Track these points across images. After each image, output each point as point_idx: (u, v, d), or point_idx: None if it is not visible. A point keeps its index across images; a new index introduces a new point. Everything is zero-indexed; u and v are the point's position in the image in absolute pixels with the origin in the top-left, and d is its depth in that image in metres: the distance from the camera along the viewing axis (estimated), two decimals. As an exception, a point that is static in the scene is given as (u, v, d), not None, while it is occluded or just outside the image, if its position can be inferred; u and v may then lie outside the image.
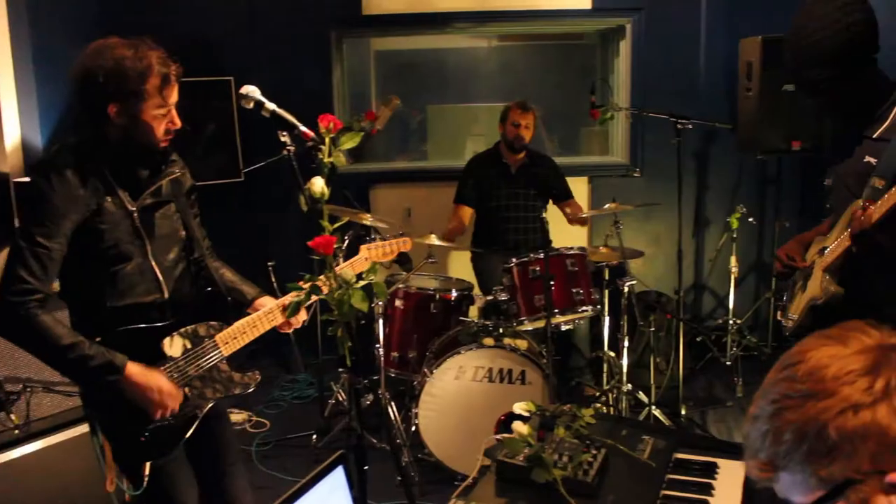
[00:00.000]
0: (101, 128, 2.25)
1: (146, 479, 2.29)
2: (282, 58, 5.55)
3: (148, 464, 2.30)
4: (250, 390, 2.55)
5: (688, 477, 2.14)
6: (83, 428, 3.28)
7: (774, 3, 5.43)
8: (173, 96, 2.28)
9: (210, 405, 2.44)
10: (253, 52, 5.51)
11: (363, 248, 2.85)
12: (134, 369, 2.22)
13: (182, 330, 2.39)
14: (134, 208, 2.31)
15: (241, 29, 5.54)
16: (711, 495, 2.06)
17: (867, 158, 2.49)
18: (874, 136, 2.48)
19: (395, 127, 6.49)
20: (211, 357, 2.42)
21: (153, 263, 2.35)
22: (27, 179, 3.93)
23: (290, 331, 2.59)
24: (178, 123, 2.33)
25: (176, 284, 2.43)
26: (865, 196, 2.43)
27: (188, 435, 2.40)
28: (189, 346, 2.38)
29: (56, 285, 2.29)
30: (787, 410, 1.01)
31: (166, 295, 2.38)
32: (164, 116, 2.27)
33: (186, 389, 2.37)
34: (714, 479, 2.12)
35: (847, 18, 2.37)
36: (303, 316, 2.45)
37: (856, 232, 2.41)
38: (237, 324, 2.48)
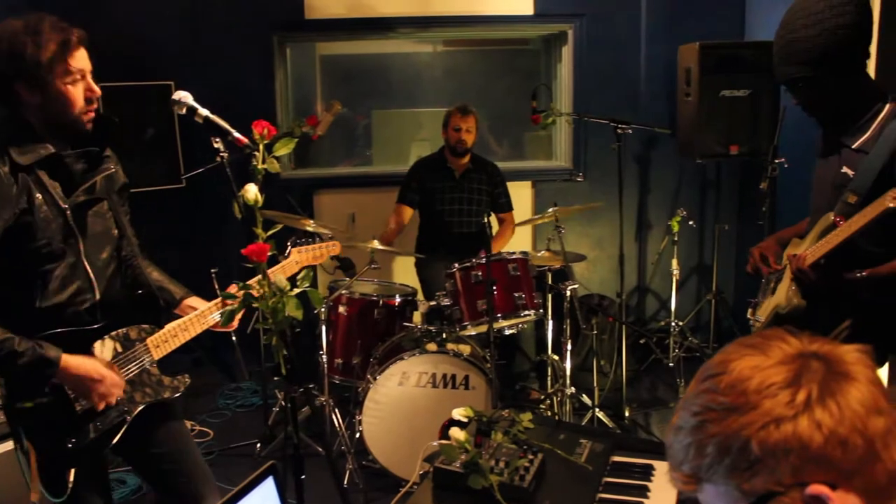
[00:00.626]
0: (18, 111, 2.19)
1: (70, 486, 2.22)
2: (223, 62, 5.48)
3: (73, 471, 2.23)
4: (178, 394, 2.50)
5: (624, 480, 2.16)
6: (6, 445, 3.18)
7: (712, 10, 5.55)
8: (79, 61, 2.20)
9: (139, 409, 2.38)
10: (194, 55, 5.44)
11: (293, 250, 2.83)
12: (71, 360, 2.17)
13: (113, 333, 2.33)
14: (66, 206, 2.23)
15: (181, 32, 5.46)
16: (647, 497, 2.09)
17: (845, 169, 2.48)
18: (854, 147, 2.47)
19: (340, 132, 6.45)
20: (142, 361, 2.37)
21: (85, 263, 2.28)
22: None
23: (227, 330, 2.53)
24: (97, 90, 2.25)
25: (108, 285, 2.36)
26: (837, 211, 2.44)
27: (115, 440, 2.34)
28: (120, 349, 2.33)
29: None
30: (710, 423, 1.00)
31: (98, 296, 2.31)
32: (76, 83, 2.20)
33: None
34: (650, 480, 2.14)
35: (836, 20, 2.33)
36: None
37: (793, 271, 2.47)
38: (168, 327, 2.43)
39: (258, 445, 4.35)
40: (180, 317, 2.49)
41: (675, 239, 5.42)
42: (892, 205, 2.20)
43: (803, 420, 0.95)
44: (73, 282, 2.26)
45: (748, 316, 2.95)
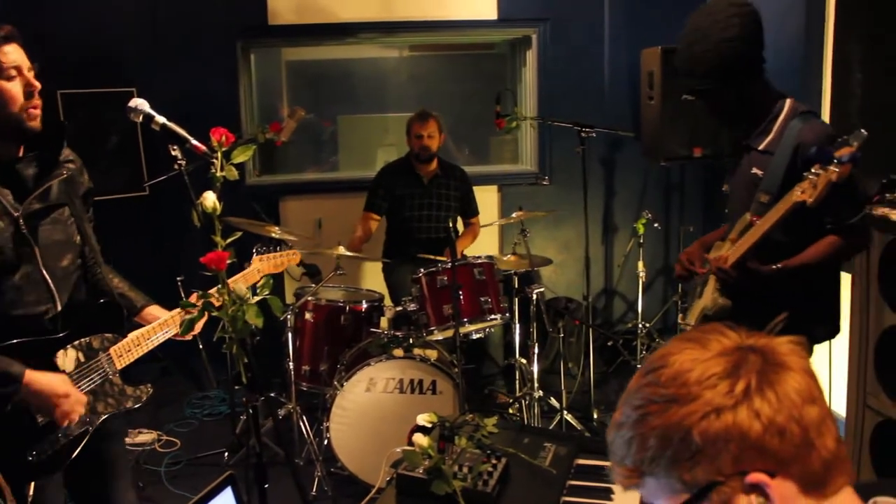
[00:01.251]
0: None
1: (30, 499, 2.18)
2: (186, 68, 5.42)
3: (32, 484, 2.19)
4: (140, 404, 2.46)
5: (588, 482, 2.17)
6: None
7: (674, 14, 5.57)
8: (11, 57, 2.11)
9: (101, 420, 2.35)
10: (156, 62, 5.38)
11: (255, 259, 2.82)
12: (35, 377, 2.12)
13: (76, 342, 2.29)
14: (18, 213, 2.17)
15: (143, 38, 5.40)
16: (611, 499, 2.10)
17: (754, 170, 2.58)
18: (759, 149, 2.58)
19: (305, 138, 6.43)
20: (105, 371, 2.33)
21: (44, 272, 2.22)
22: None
23: (186, 339, 2.46)
24: (36, 84, 2.16)
25: (70, 294, 2.32)
26: (753, 210, 2.54)
27: (77, 452, 2.29)
28: (83, 359, 2.29)
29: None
30: (652, 416, 1.02)
31: (59, 305, 2.26)
32: (11, 80, 2.11)
33: None
34: (614, 483, 2.15)
35: (722, 34, 2.44)
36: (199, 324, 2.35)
37: (715, 272, 2.54)
38: (131, 336, 2.39)
39: (226, 454, 4.31)
40: (141, 325, 2.45)
41: (641, 241, 5.46)
42: (798, 199, 2.28)
43: (742, 410, 0.97)
44: (30, 291, 2.20)
45: (679, 321, 3.02)
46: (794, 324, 2.60)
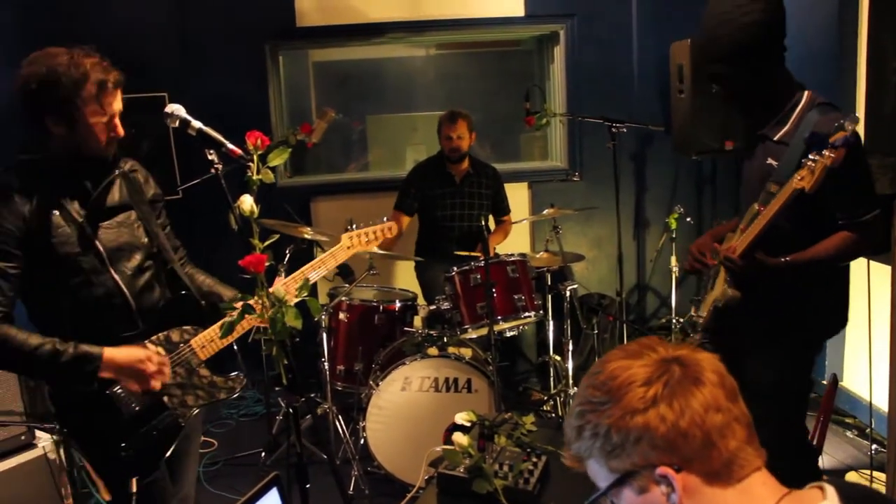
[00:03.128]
0: (43, 141, 2.21)
1: (135, 497, 2.22)
2: (216, 72, 5.47)
3: (135, 480, 2.24)
4: (234, 395, 2.51)
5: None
6: (27, 455, 3.23)
7: (702, 5, 5.53)
8: (114, 104, 2.23)
9: (195, 413, 2.40)
10: (187, 66, 5.44)
11: (344, 235, 2.79)
12: (112, 352, 2.20)
13: (154, 337, 2.35)
14: (82, 219, 2.25)
15: (173, 43, 5.45)
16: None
17: (769, 160, 2.57)
18: (775, 139, 2.56)
19: (335, 138, 6.45)
20: (188, 362, 2.38)
21: (112, 272, 2.30)
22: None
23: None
24: (122, 132, 2.28)
25: (141, 293, 2.37)
26: (761, 200, 2.52)
27: (173, 447, 2.35)
28: (163, 352, 2.34)
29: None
30: (587, 413, 1.21)
31: (132, 302, 2.33)
32: (105, 125, 2.22)
33: (165, 398, 2.33)
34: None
35: (743, 18, 2.42)
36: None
37: (723, 261, 2.52)
38: (213, 327, 2.44)
39: (263, 454, 4.35)
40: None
41: (674, 236, 5.43)
42: (797, 186, 2.28)
43: (651, 413, 1.15)
44: (102, 293, 2.28)
45: (692, 313, 2.99)
46: (805, 317, 2.60)
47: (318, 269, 2.56)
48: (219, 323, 2.42)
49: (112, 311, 2.30)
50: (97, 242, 2.28)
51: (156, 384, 2.26)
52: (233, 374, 2.50)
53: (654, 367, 1.19)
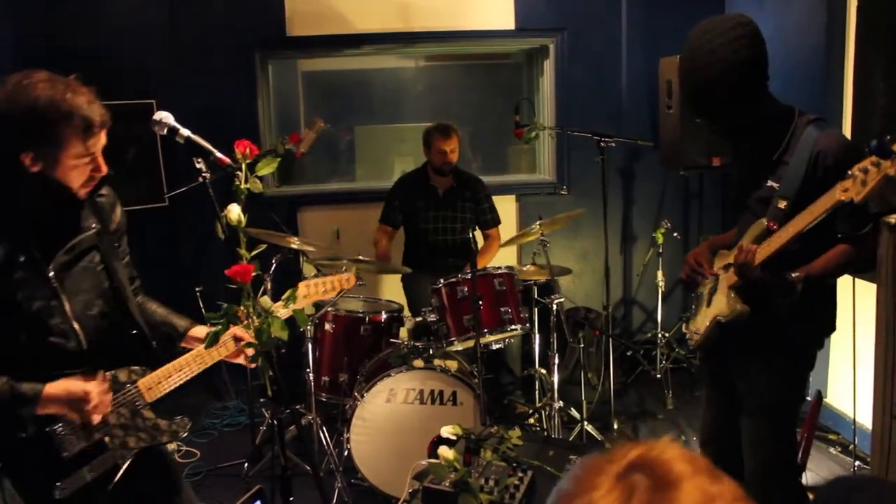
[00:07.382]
0: (14, 177, 2.04)
1: None
2: (206, 80, 5.46)
3: None
4: (176, 440, 2.41)
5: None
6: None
7: (691, 23, 5.56)
8: (97, 144, 2.10)
9: (132, 455, 2.29)
10: (175, 74, 5.41)
11: (301, 284, 2.63)
12: (51, 388, 2.07)
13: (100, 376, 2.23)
14: (49, 268, 2.14)
15: (162, 50, 5.43)
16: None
17: (769, 183, 2.56)
18: (774, 159, 2.55)
19: (323, 148, 6.44)
20: (133, 404, 2.28)
21: (72, 321, 2.19)
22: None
23: (244, 361, 2.40)
24: (104, 170, 2.14)
25: (97, 336, 2.26)
26: (770, 216, 2.51)
27: (110, 488, 2.24)
28: (105, 383, 2.23)
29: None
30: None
31: (85, 346, 2.22)
32: (85, 165, 2.09)
33: (107, 439, 2.23)
34: None
35: (735, 57, 2.40)
36: (250, 350, 2.26)
37: (739, 263, 2.51)
38: (162, 368, 2.33)
39: (245, 465, 4.31)
40: (188, 350, 2.40)
41: (660, 251, 5.44)
42: (842, 198, 2.23)
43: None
44: (57, 337, 2.17)
45: (683, 330, 2.98)
46: (797, 329, 2.60)
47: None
48: (169, 364, 2.34)
49: (65, 354, 2.19)
50: (61, 294, 2.17)
51: (96, 417, 2.15)
52: (177, 417, 2.38)
53: (615, 490, 0.98)
